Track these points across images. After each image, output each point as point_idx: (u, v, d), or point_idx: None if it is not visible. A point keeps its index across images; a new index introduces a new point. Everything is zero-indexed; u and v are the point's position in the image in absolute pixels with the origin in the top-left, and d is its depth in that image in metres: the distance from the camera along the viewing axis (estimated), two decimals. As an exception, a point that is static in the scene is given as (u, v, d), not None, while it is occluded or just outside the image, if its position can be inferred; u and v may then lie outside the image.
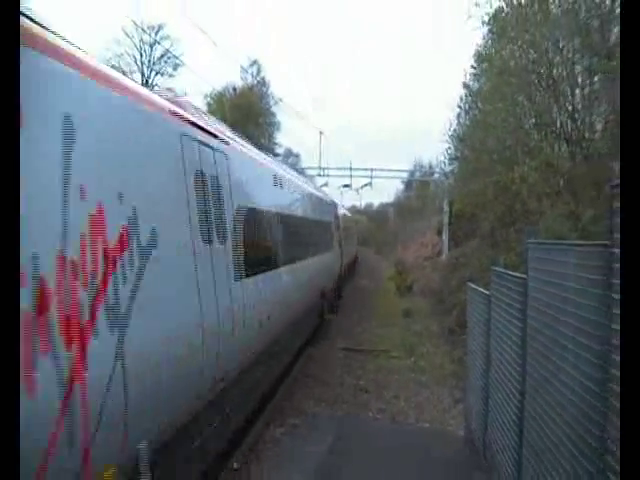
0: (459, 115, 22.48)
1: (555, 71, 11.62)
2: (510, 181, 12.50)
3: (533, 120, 12.75)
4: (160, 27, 39.09)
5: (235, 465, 6.46)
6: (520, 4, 13.09)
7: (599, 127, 11.02)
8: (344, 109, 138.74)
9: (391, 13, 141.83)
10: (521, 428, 4.28)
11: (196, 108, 6.48)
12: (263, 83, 46.60)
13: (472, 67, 19.66)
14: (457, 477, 6.50)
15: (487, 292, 5.99)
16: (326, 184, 32.36)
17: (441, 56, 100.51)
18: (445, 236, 26.81)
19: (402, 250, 39.45)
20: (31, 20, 2.90)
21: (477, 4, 13.34)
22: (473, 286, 7.08)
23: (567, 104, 11.41)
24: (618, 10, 9.45)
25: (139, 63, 39.72)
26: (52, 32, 3.16)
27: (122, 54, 38.43)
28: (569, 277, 3.21)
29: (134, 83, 4.83)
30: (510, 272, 5.06)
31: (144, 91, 4.71)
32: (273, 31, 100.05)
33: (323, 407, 8.99)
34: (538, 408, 3.77)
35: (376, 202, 77.31)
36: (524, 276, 4.32)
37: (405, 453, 7.05)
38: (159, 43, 38.61)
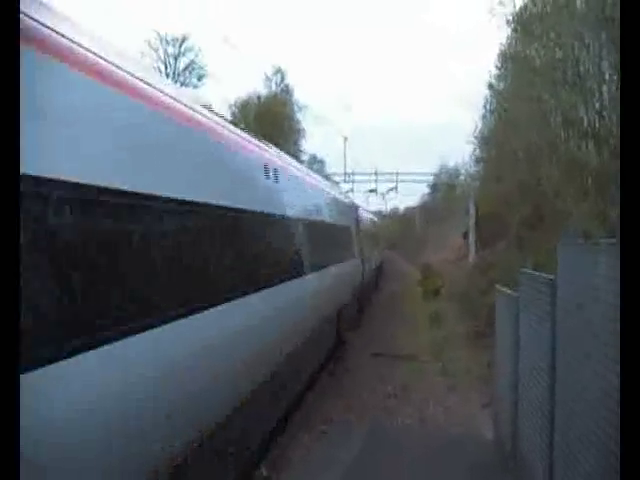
0: (484, 116, 22.29)
1: (581, 67, 11.40)
2: (536, 181, 12.30)
3: (559, 118, 12.52)
4: (184, 39, 39.75)
5: (264, 472, 6.46)
6: (545, 0, 12.92)
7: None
8: (369, 113, 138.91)
9: (417, 14, 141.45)
10: (552, 432, 4.20)
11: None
12: (287, 90, 46.88)
13: (496, 67, 19.48)
14: None
15: (515, 294, 5.90)
16: (352, 190, 32.41)
17: (465, 55, 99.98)
18: (471, 238, 26.54)
19: (428, 253, 39.13)
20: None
21: (501, 2, 13.22)
22: (501, 288, 6.97)
23: (594, 101, 11.18)
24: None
25: (164, 75, 40.34)
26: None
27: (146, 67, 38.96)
28: (601, 277, 3.14)
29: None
30: (538, 274, 4.97)
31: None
32: (296, 36, 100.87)
33: (352, 413, 8.94)
34: (569, 411, 3.69)
35: (402, 206, 76.81)
36: (553, 277, 4.24)
37: (434, 458, 6.96)
38: (184, 54, 39.23)
